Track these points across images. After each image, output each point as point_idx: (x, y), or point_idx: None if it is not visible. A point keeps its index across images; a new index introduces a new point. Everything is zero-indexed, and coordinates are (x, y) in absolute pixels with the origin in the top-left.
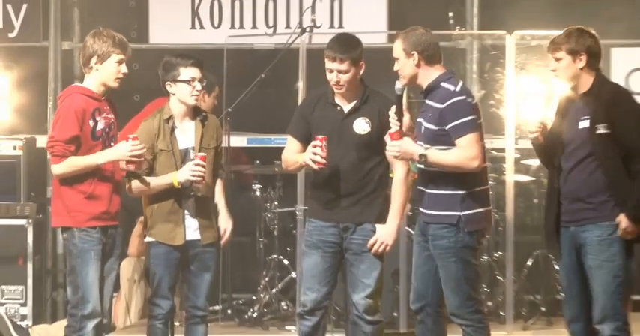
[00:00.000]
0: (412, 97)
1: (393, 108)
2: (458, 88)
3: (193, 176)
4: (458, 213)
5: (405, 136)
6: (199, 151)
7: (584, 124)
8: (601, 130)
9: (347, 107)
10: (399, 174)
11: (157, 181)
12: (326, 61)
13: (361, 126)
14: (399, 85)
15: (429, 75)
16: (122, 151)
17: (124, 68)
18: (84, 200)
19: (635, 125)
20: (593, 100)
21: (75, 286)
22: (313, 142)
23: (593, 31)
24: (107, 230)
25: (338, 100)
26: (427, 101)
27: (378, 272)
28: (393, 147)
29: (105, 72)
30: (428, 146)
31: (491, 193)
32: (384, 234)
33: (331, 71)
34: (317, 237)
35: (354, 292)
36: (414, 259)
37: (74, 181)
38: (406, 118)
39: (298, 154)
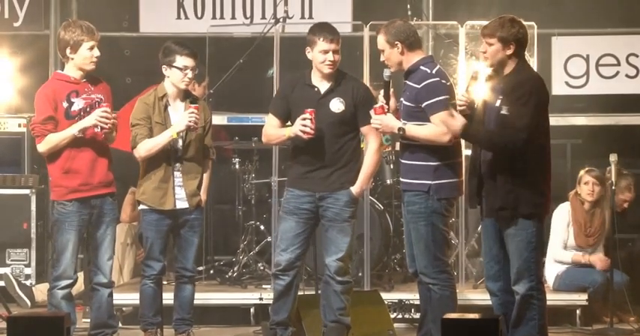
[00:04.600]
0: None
1: (382, 92)
2: (434, 71)
3: (190, 121)
4: (429, 182)
5: (389, 112)
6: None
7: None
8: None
9: (323, 88)
10: (372, 145)
11: (158, 138)
12: (320, 43)
13: (336, 105)
14: (387, 72)
15: (411, 59)
16: (91, 117)
17: (96, 52)
18: (62, 175)
19: (518, 111)
20: (508, 84)
21: (53, 251)
22: (303, 115)
23: (522, 21)
24: (89, 200)
25: (315, 82)
26: (407, 82)
27: (349, 238)
28: (376, 120)
29: (80, 58)
30: (405, 122)
31: None
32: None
33: (326, 52)
34: (294, 204)
35: (327, 255)
36: (405, 229)
37: (54, 157)
38: (392, 101)
39: (284, 128)
